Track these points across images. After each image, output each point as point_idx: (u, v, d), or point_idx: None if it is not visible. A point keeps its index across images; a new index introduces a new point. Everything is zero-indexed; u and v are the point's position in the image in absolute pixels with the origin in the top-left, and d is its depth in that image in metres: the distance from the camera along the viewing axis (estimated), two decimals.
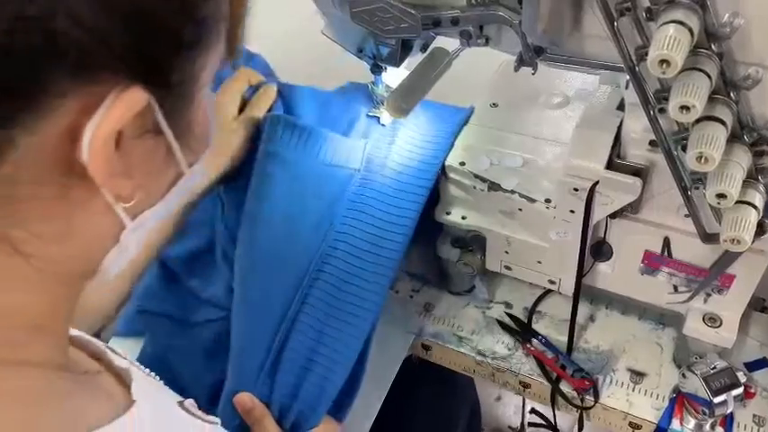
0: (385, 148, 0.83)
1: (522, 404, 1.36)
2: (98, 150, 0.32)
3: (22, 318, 0.37)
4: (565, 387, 0.80)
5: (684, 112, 0.50)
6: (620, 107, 0.71)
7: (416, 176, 0.79)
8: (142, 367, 0.51)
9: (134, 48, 0.32)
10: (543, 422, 0.90)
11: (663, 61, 0.48)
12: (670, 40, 0.47)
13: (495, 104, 0.86)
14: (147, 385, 0.47)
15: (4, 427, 0.34)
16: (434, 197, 0.83)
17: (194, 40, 0.35)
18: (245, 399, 0.68)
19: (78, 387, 0.40)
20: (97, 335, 1.06)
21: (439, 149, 0.80)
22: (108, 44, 0.31)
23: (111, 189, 0.35)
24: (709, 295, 0.74)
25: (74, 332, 0.47)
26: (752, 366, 0.79)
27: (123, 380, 0.45)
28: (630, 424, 0.78)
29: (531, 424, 0.94)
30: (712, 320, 0.75)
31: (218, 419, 0.49)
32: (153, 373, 0.53)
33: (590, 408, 0.79)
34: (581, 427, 0.82)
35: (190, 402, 0.49)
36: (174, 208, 0.45)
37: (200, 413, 0.49)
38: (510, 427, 1.55)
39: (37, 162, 0.32)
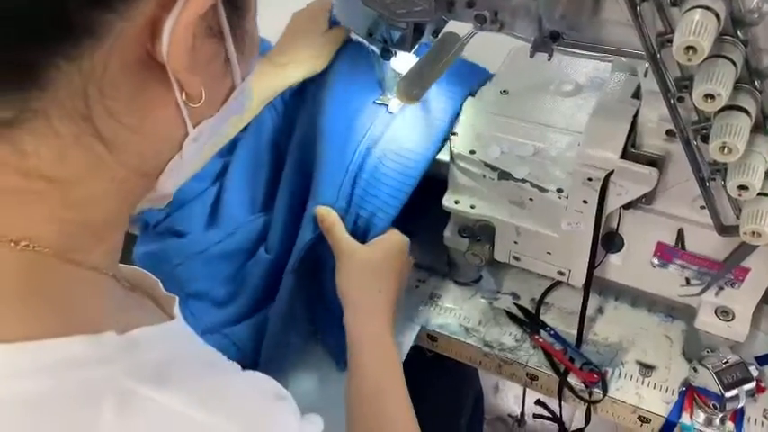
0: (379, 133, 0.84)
1: (522, 393, 1.36)
2: (177, 42, 0.35)
3: (99, 209, 0.40)
4: (572, 380, 0.79)
5: (709, 100, 0.49)
6: (635, 95, 0.69)
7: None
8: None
9: None
10: (548, 414, 0.89)
11: (689, 48, 0.46)
12: (696, 26, 0.46)
13: (505, 92, 0.84)
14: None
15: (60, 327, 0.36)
16: (442, 186, 0.81)
17: None
18: (322, 210, 0.78)
19: (126, 296, 0.45)
20: None
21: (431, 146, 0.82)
22: None
23: (184, 83, 0.38)
24: (721, 288, 0.73)
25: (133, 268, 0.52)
26: (762, 360, 0.78)
27: (166, 309, 0.49)
28: (639, 417, 0.77)
29: (536, 415, 0.93)
30: (725, 314, 0.74)
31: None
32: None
33: (598, 401, 0.78)
34: (587, 420, 0.81)
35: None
36: (226, 130, 0.50)
37: None
38: (510, 416, 1.55)
39: (125, 50, 0.35)
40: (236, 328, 0.81)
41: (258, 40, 0.45)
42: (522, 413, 1.46)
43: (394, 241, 0.77)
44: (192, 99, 0.40)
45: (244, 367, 0.47)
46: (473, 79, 0.86)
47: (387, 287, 0.73)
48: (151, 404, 0.36)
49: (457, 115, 0.82)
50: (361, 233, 0.79)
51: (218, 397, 0.40)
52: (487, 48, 0.79)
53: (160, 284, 0.51)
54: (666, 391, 0.77)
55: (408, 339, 0.83)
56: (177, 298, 0.49)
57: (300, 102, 0.90)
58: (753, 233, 0.56)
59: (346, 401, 0.68)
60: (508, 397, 1.61)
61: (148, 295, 0.51)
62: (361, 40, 0.77)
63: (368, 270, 0.74)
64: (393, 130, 0.83)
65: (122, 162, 0.39)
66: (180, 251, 0.85)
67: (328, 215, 0.77)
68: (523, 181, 0.75)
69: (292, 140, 0.89)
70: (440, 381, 1.00)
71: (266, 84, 0.84)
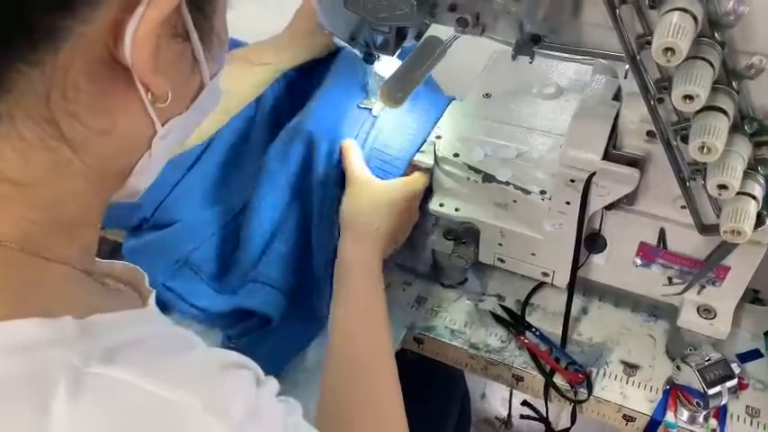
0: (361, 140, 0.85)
1: (509, 396, 1.37)
2: (140, 45, 0.35)
3: (67, 209, 0.40)
4: (558, 380, 0.79)
5: (688, 101, 0.50)
6: (616, 97, 0.70)
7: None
8: None
9: None
10: (535, 414, 0.89)
11: (668, 49, 0.47)
12: (675, 28, 0.47)
13: (487, 95, 0.85)
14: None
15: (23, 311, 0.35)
16: (427, 189, 0.82)
17: None
18: (348, 142, 0.81)
19: (100, 290, 0.45)
20: None
21: (412, 145, 0.82)
22: None
23: (149, 85, 0.38)
24: (703, 287, 0.74)
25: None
26: (744, 358, 0.79)
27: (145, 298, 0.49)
28: (624, 416, 0.78)
29: (522, 416, 0.93)
30: (707, 312, 0.75)
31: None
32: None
33: (584, 401, 0.78)
34: (573, 420, 0.82)
35: None
36: (197, 127, 0.48)
37: None
38: (497, 418, 1.55)
39: (87, 53, 0.35)
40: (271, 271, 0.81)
41: (227, 38, 0.45)
42: (509, 415, 1.47)
43: (413, 188, 0.78)
44: (159, 99, 0.40)
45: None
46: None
47: (387, 226, 0.75)
48: (103, 380, 0.35)
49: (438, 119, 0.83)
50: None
51: (179, 373, 0.39)
52: (470, 51, 0.79)
53: (146, 279, 0.51)
54: (651, 389, 0.78)
55: (394, 342, 0.83)
56: (154, 291, 0.50)
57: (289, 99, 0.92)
58: (733, 231, 0.57)
59: (332, 321, 0.69)
60: (495, 400, 1.61)
61: (136, 290, 0.51)
62: (344, 44, 0.78)
63: (376, 203, 0.76)
64: (376, 133, 0.83)
65: (89, 163, 0.39)
66: (186, 236, 0.85)
67: (351, 143, 0.80)
68: (507, 183, 0.75)
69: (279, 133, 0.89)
70: (427, 385, 1.00)
71: (246, 81, 0.84)
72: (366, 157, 0.82)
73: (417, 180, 0.79)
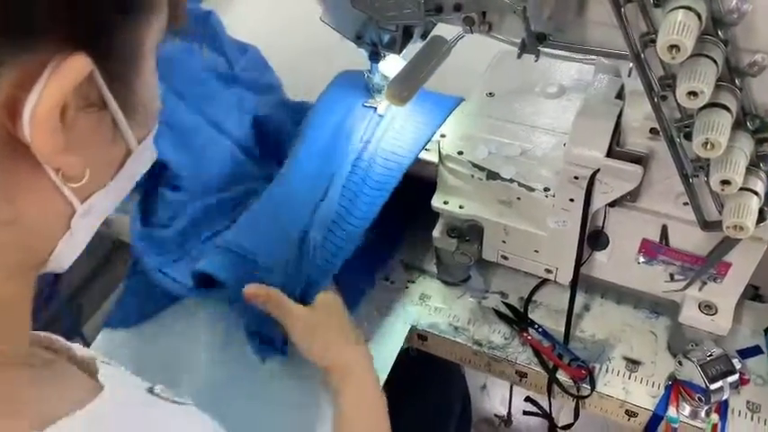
0: (368, 136, 0.86)
1: (509, 395, 1.37)
2: (41, 124, 0.31)
3: None
4: (561, 376, 0.80)
5: (692, 97, 0.51)
6: (619, 96, 0.71)
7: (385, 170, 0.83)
8: (106, 359, 0.49)
9: (74, 9, 0.30)
10: (538, 410, 0.90)
11: (673, 46, 0.48)
12: (680, 26, 0.48)
13: (491, 94, 0.85)
14: (113, 372, 0.46)
15: None
16: (431, 187, 0.83)
17: (140, 6, 0.34)
18: (258, 290, 0.73)
19: (42, 380, 0.39)
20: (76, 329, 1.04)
21: (416, 146, 0.83)
22: (46, 5, 0.29)
23: (58, 167, 0.33)
24: (704, 283, 0.75)
25: (38, 333, 0.45)
26: (745, 354, 0.80)
27: (89, 369, 0.44)
28: (627, 412, 0.78)
29: (525, 412, 0.94)
30: (708, 308, 0.76)
31: (190, 401, 0.48)
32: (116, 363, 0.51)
33: (587, 396, 0.79)
34: (576, 415, 0.83)
35: (160, 388, 0.48)
36: (126, 194, 0.42)
37: (170, 396, 0.48)
38: (496, 416, 1.56)
39: None
40: None
41: (157, 93, 0.40)
42: (509, 413, 1.48)
43: (332, 301, 0.76)
44: (73, 178, 0.35)
45: None
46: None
47: (357, 337, 0.74)
48: None
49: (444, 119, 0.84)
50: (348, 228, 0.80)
51: None
52: (474, 51, 0.80)
53: (75, 347, 0.47)
54: (653, 385, 0.79)
55: (399, 339, 0.84)
56: (96, 358, 0.46)
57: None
58: (735, 227, 0.57)
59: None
60: (495, 399, 1.62)
61: (69, 358, 0.46)
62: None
63: (335, 326, 0.74)
64: (381, 132, 0.84)
65: (3, 255, 0.35)
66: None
67: (267, 291, 0.73)
68: (511, 181, 0.76)
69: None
70: (428, 386, 1.01)
71: None
72: (371, 155, 0.83)
73: (329, 297, 0.77)
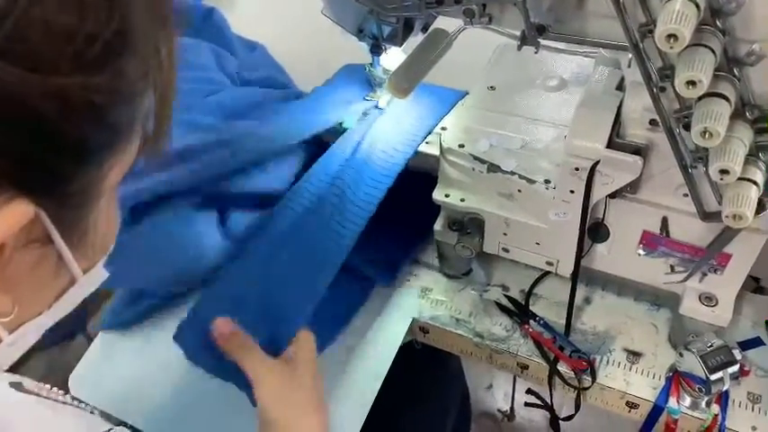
0: (368, 126, 0.86)
1: (512, 390, 1.38)
2: None
3: None
4: (562, 368, 0.80)
5: (691, 87, 0.51)
6: (619, 88, 0.71)
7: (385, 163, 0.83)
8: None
9: (23, 157, 0.28)
10: (539, 402, 0.91)
11: (671, 36, 0.48)
12: (678, 15, 0.48)
13: (492, 87, 0.86)
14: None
15: None
16: (432, 180, 0.83)
17: (102, 144, 0.31)
18: (225, 330, 0.68)
19: None
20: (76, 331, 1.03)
21: (417, 137, 0.84)
22: None
23: None
24: (705, 275, 0.75)
25: None
26: (746, 345, 0.80)
27: None
28: (628, 403, 0.79)
29: (527, 404, 0.94)
30: (708, 300, 0.76)
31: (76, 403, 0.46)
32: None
33: (588, 388, 0.79)
34: (577, 407, 0.83)
35: (35, 384, 0.46)
36: (65, 314, 0.39)
37: (44, 392, 0.46)
38: (499, 410, 1.57)
39: None
40: None
41: (114, 224, 0.38)
42: (512, 408, 1.48)
43: (308, 355, 0.70)
44: (2, 315, 0.33)
45: None
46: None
47: (319, 400, 0.68)
48: None
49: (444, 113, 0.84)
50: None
51: None
52: (475, 44, 0.80)
53: None
54: (653, 377, 0.79)
55: (401, 331, 0.85)
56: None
57: None
58: (735, 216, 0.58)
59: None
60: (498, 395, 1.62)
61: None
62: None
63: (307, 387, 0.68)
64: (382, 124, 0.85)
65: None
66: None
67: (235, 335, 0.68)
68: (512, 173, 0.76)
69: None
70: (426, 383, 1.01)
71: None
72: (369, 149, 0.83)
73: (305, 344, 0.71)
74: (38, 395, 0.46)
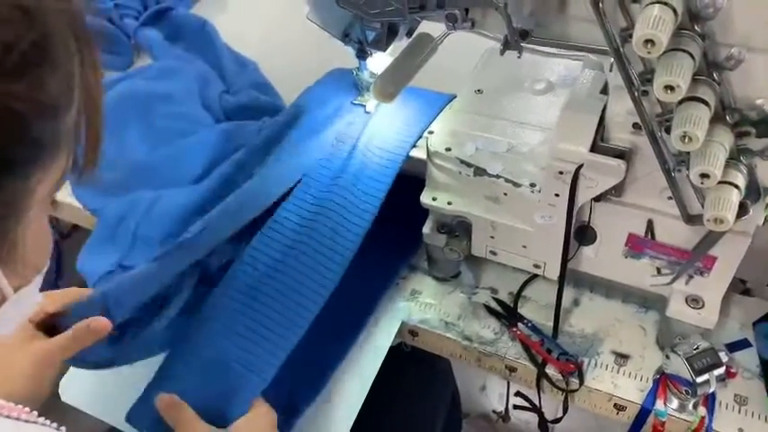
0: (358, 133, 0.86)
1: (506, 391, 1.38)
2: None
3: None
4: (550, 371, 0.81)
5: (669, 91, 0.51)
6: (604, 91, 0.71)
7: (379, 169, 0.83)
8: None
9: None
10: (528, 405, 0.91)
11: (648, 41, 0.49)
12: (655, 20, 0.48)
13: (479, 91, 0.86)
14: None
15: None
16: (420, 183, 0.83)
17: (27, 157, 0.31)
18: (170, 401, 0.67)
19: None
20: None
21: (407, 141, 0.84)
22: None
23: None
24: (691, 277, 0.75)
25: None
26: (734, 347, 0.80)
27: None
28: (615, 405, 0.79)
29: (516, 407, 0.94)
30: (695, 302, 0.76)
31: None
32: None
33: (575, 390, 0.79)
34: (565, 410, 0.83)
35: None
36: (11, 327, 0.38)
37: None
38: (494, 411, 1.57)
39: None
40: None
41: (47, 240, 0.38)
42: (507, 409, 1.48)
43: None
44: None
45: None
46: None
47: None
48: None
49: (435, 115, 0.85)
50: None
51: None
52: (462, 49, 0.81)
53: None
54: (641, 379, 0.79)
55: (390, 335, 0.85)
56: None
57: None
58: (716, 220, 0.58)
59: None
60: (492, 396, 1.63)
61: None
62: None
63: None
64: (371, 130, 0.85)
65: None
66: None
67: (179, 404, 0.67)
68: (498, 176, 0.77)
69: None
70: (415, 383, 1.01)
71: None
72: (361, 153, 0.84)
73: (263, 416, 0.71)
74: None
